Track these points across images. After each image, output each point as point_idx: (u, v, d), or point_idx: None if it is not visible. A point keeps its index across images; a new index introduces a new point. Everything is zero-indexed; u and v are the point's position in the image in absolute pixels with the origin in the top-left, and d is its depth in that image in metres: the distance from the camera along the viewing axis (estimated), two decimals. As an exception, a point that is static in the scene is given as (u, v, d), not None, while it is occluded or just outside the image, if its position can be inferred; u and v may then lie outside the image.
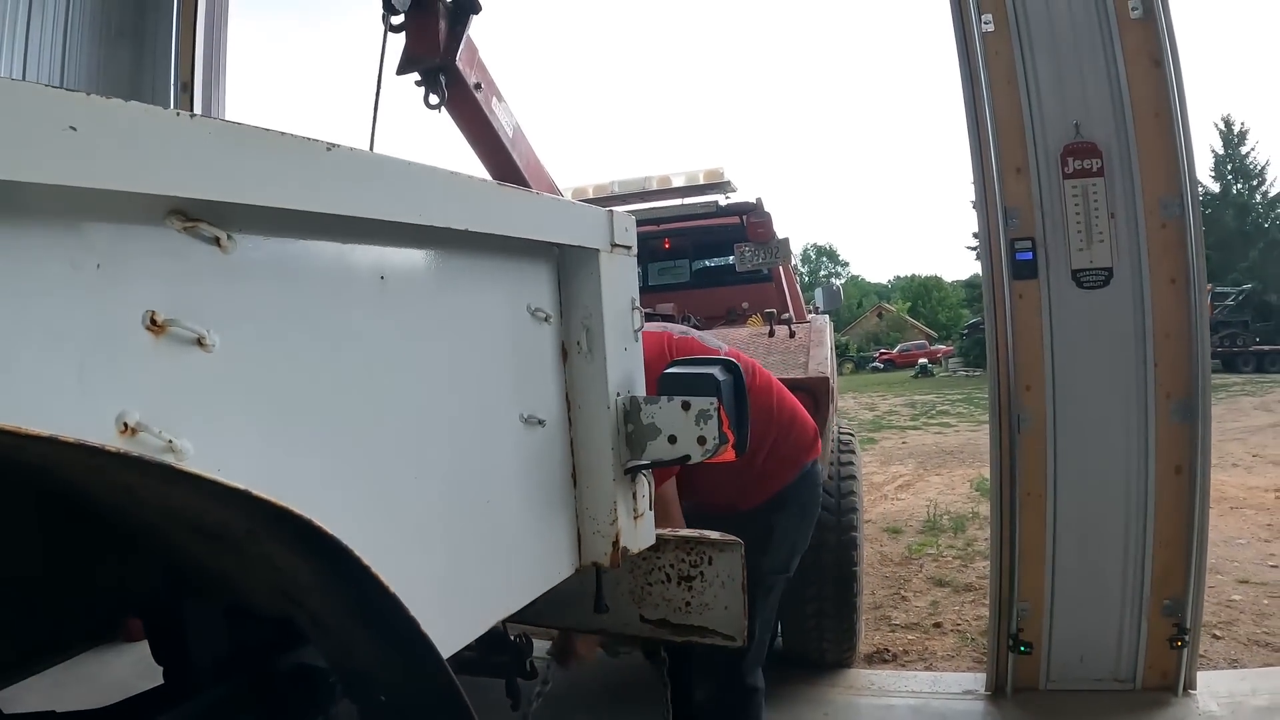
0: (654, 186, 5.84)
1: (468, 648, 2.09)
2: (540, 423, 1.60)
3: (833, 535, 3.31)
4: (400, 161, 1.13)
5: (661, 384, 1.76)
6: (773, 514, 2.49)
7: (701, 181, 5.73)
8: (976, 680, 3.27)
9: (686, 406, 1.70)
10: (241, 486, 0.77)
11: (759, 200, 5.58)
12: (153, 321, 0.85)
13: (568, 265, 1.69)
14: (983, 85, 3.03)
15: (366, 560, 1.06)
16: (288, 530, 0.86)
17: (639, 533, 1.82)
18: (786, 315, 3.69)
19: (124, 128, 0.76)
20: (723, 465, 2.36)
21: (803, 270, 75.82)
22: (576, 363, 1.71)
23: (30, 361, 0.76)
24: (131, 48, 5.17)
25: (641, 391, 1.80)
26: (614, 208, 5.33)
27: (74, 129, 0.72)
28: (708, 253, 6.04)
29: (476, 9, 3.35)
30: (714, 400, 1.68)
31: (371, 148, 3.34)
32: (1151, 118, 2.92)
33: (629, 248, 1.81)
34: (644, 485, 1.82)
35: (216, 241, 0.90)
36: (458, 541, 1.36)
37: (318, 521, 0.92)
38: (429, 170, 1.21)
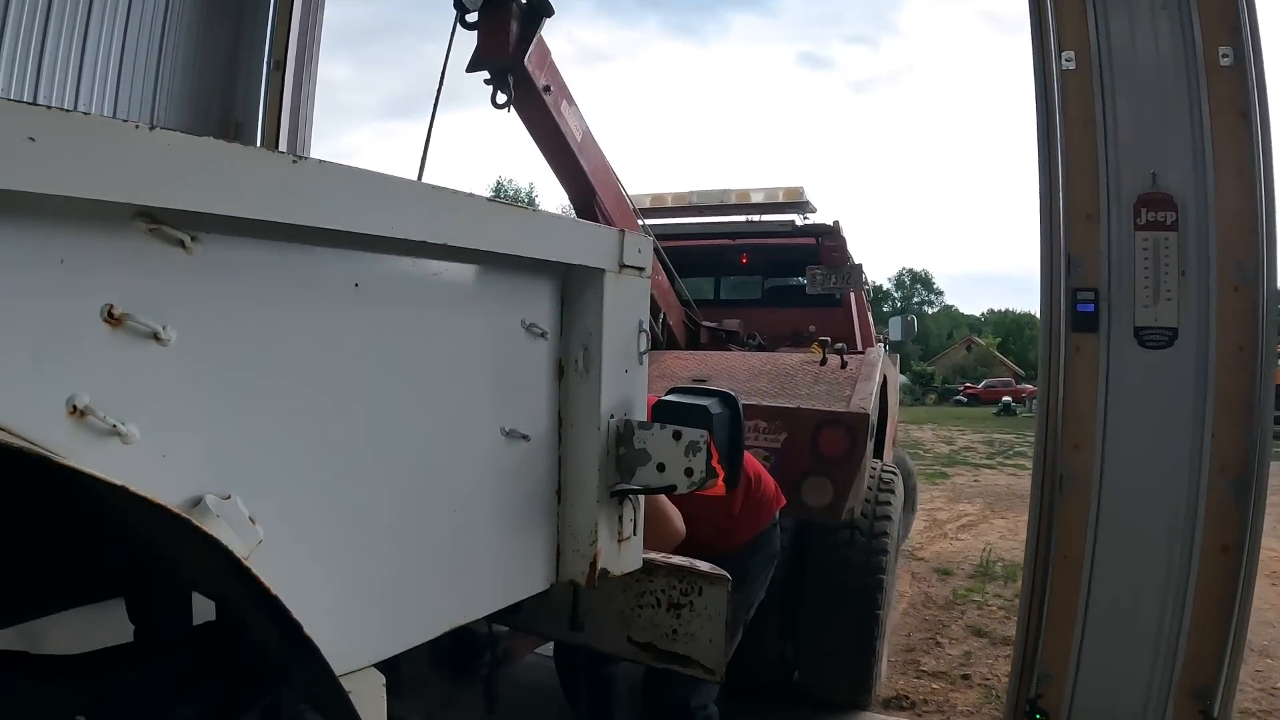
0: (732, 200, 5.92)
1: (453, 643, 2.18)
2: (524, 437, 1.65)
3: (858, 576, 3.30)
4: (373, 175, 1.20)
5: (656, 411, 1.79)
6: (748, 557, 2.59)
7: (781, 199, 5.80)
8: (991, 741, 3.20)
9: (677, 436, 1.73)
10: (119, 483, 0.82)
11: (836, 223, 5.61)
12: (110, 314, 0.93)
13: (572, 283, 1.74)
14: (1057, 124, 2.96)
15: (308, 555, 1.15)
16: (184, 528, 0.92)
17: (622, 556, 1.86)
18: (839, 345, 3.66)
19: (83, 140, 0.84)
20: (704, 506, 2.43)
21: (895, 295, 74.45)
22: (572, 381, 1.76)
23: (-15, 343, 0.84)
24: (231, 26, 5.43)
25: (641, 415, 1.84)
26: (689, 218, 5.43)
27: (32, 140, 0.79)
28: (780, 272, 6.06)
29: (549, 12, 3.43)
30: (704, 433, 1.70)
31: (429, 138, 3.50)
32: (1234, 173, 2.81)
33: (641, 269, 1.84)
34: (630, 509, 1.85)
35: (181, 244, 0.98)
36: (414, 544, 1.41)
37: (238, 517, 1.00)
38: (407, 185, 1.28)
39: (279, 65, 5.41)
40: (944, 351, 54.50)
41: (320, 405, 1.21)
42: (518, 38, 3.33)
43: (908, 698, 3.82)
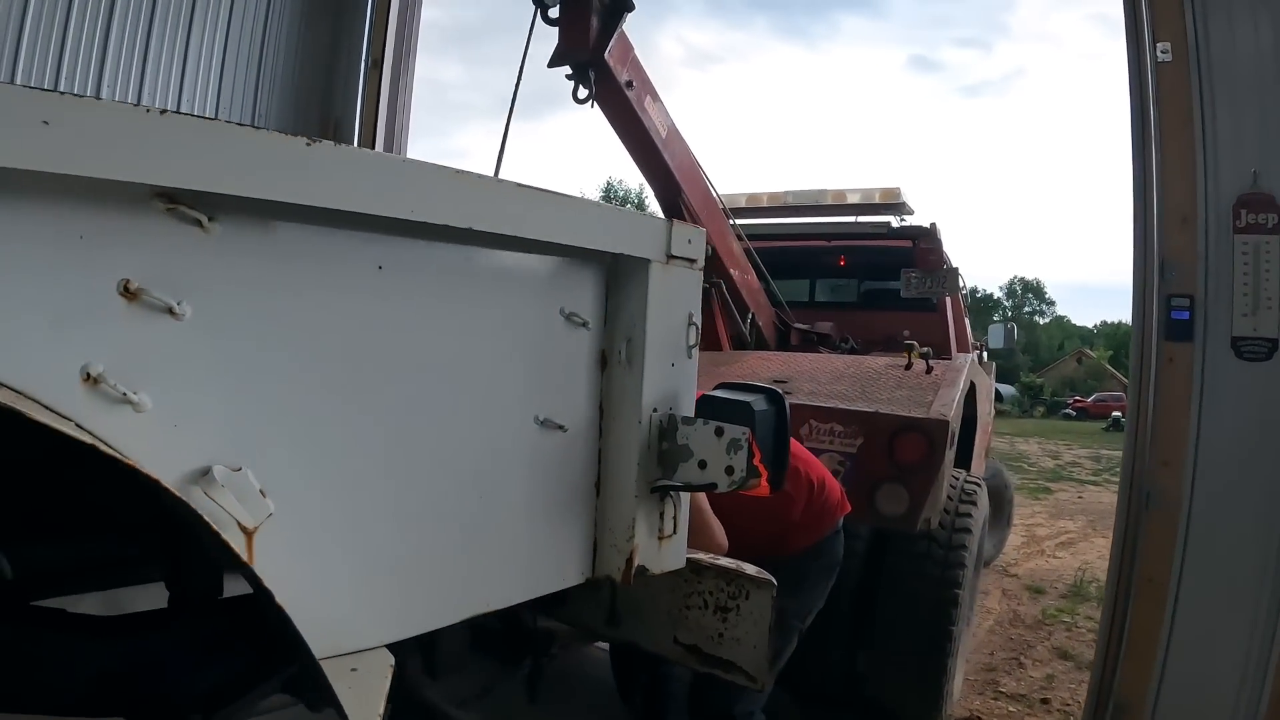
0: (828, 201, 5.87)
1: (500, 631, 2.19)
2: (560, 428, 1.64)
3: (932, 589, 3.19)
4: (389, 158, 1.22)
5: (700, 406, 1.75)
6: (810, 562, 2.53)
7: (877, 200, 5.72)
8: (1061, 774, 3.04)
9: (719, 433, 1.69)
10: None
11: (933, 225, 5.51)
12: (125, 289, 0.95)
13: (618, 273, 1.72)
14: (1152, 120, 2.78)
15: (324, 531, 1.19)
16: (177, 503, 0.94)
17: (663, 554, 1.83)
18: (925, 350, 3.53)
19: (98, 123, 0.87)
20: (763, 511, 2.38)
21: (1006, 304, 72.09)
22: (615, 373, 1.74)
23: (6, 311, 0.87)
24: (331, 24, 5.62)
25: (688, 410, 1.80)
26: (785, 218, 5.36)
27: (46, 123, 0.82)
28: (876, 275, 5.97)
29: (630, 7, 3.43)
30: (745, 431, 1.65)
31: (507, 130, 3.53)
32: (1343, 172, 2.58)
33: (692, 261, 1.81)
34: (672, 506, 1.82)
35: (199, 223, 1.00)
36: (437, 528, 1.42)
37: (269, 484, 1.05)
38: (424, 167, 1.28)
39: (376, 64, 5.57)
40: (1054, 363, 52.47)
41: (341, 385, 1.23)
42: (599, 32, 3.34)
43: (981, 718, 3.67)
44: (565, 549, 1.72)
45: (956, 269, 5.21)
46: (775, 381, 3.41)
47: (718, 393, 1.78)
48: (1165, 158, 2.78)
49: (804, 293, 6.05)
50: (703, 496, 2.29)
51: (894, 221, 5.63)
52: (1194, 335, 2.77)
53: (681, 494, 1.84)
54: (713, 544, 2.22)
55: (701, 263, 1.83)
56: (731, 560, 2.00)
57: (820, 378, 3.47)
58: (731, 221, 4.70)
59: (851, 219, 5.72)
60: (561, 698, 3.15)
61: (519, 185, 1.45)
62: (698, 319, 1.82)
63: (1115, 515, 2.92)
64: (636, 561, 1.76)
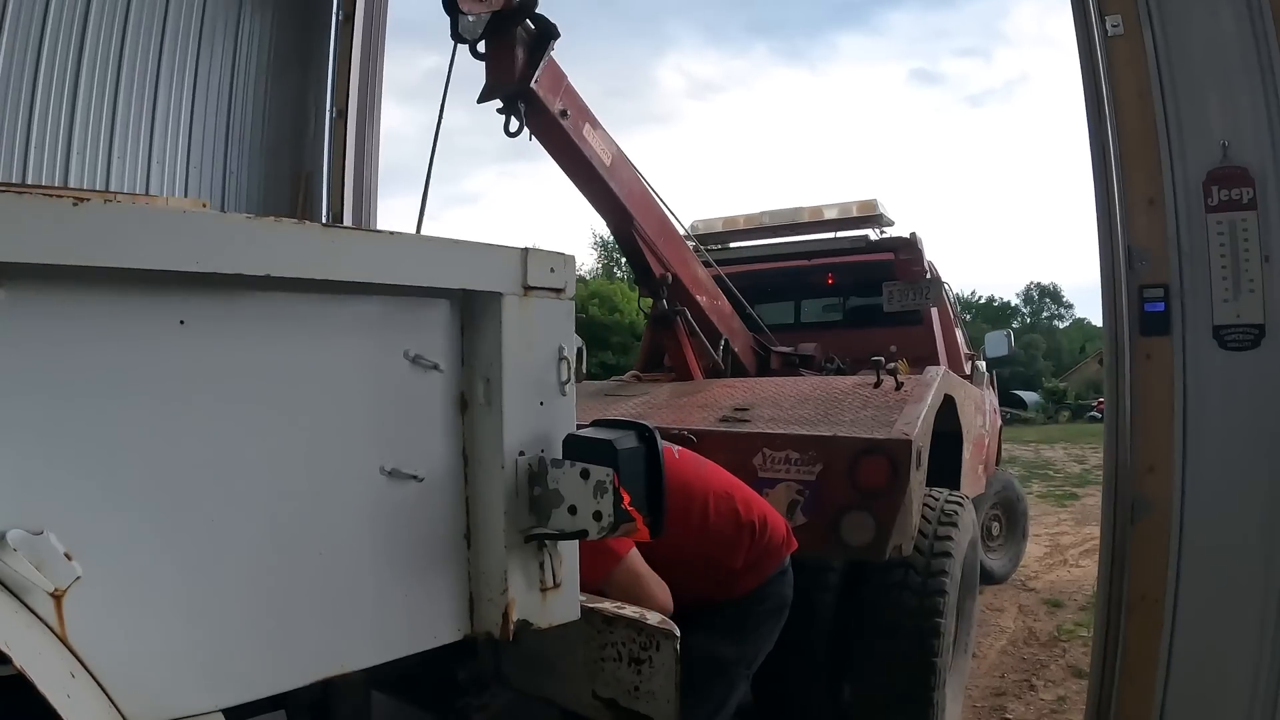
0: (805, 218, 5.75)
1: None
2: (414, 478, 1.53)
3: (911, 620, 2.97)
4: (164, 212, 1.18)
5: (565, 447, 1.62)
6: (753, 606, 2.36)
7: (855, 214, 5.57)
8: (1061, 811, 2.79)
9: (585, 475, 1.57)
10: None
11: (913, 235, 5.38)
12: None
13: (471, 310, 1.61)
14: (1105, 99, 2.58)
15: (145, 593, 1.19)
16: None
17: (548, 607, 1.71)
18: (891, 366, 3.34)
19: None
20: (700, 564, 2.24)
21: (1024, 311, 70.67)
22: (477, 416, 1.63)
23: None
24: (297, 78, 5.67)
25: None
26: (763, 239, 5.27)
27: None
28: (859, 290, 5.84)
29: (555, 34, 3.35)
30: (609, 472, 1.52)
31: (430, 172, 3.46)
32: (1320, 134, 2.34)
33: (558, 290, 1.69)
34: (555, 556, 1.69)
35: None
36: (273, 586, 1.35)
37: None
38: (204, 218, 1.29)
39: (341, 114, 5.59)
40: (1076, 367, 50.88)
41: (151, 443, 1.20)
42: (524, 63, 3.26)
43: None
44: (435, 604, 1.61)
45: (937, 279, 5.03)
46: (737, 409, 3.26)
47: (583, 431, 1.64)
48: (1124, 136, 2.56)
49: (789, 315, 5.93)
50: (637, 558, 2.16)
51: (872, 235, 5.43)
52: (1171, 327, 2.54)
53: (564, 543, 1.72)
54: (654, 605, 2.09)
55: (571, 292, 1.71)
56: (636, 609, 1.86)
57: (784, 402, 3.29)
58: (694, 246, 4.57)
59: (830, 235, 5.56)
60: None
61: (326, 227, 1.37)
62: (570, 353, 1.71)
63: (1100, 529, 2.69)
64: (515, 616, 1.64)
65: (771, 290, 5.68)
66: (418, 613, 1.57)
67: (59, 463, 1.10)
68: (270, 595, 1.35)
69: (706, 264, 4.52)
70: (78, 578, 1.06)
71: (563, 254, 1.69)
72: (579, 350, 2.57)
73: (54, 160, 4.22)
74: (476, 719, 2.16)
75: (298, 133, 5.62)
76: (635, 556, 2.11)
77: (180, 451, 1.23)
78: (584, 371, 2.71)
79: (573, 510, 1.58)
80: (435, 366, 1.56)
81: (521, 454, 1.61)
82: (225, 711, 1.33)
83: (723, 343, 4.34)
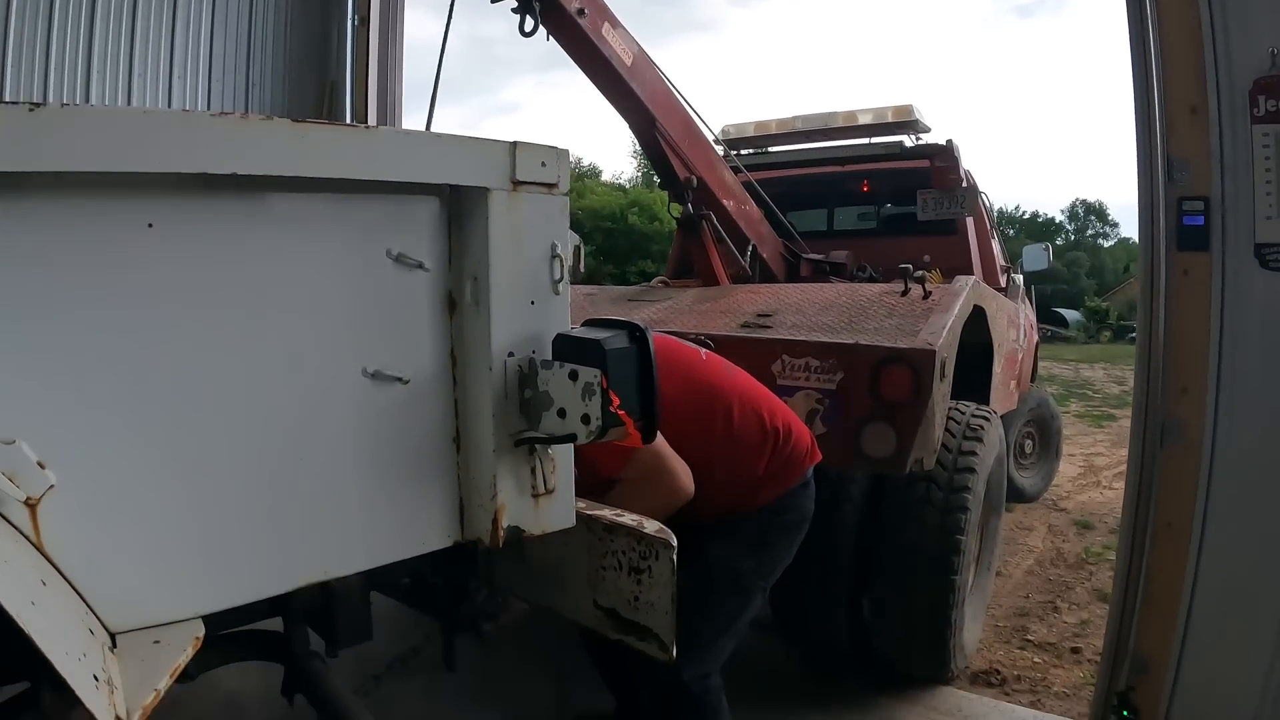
0: (839, 124, 5.55)
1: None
2: (399, 380, 1.49)
3: (932, 537, 2.91)
4: (127, 113, 1.13)
5: (555, 348, 1.56)
6: (772, 518, 2.27)
7: (890, 120, 5.36)
8: (1075, 733, 2.75)
9: (574, 376, 1.51)
10: None
11: (949, 143, 5.16)
12: None
13: (459, 207, 1.55)
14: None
15: (119, 501, 1.18)
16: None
17: (541, 513, 1.68)
18: (919, 274, 3.20)
19: None
20: (721, 468, 2.18)
21: (1069, 228, 68.65)
22: (466, 317, 1.57)
23: None
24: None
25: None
26: (795, 145, 5.11)
27: None
28: (893, 198, 5.72)
29: None
30: (597, 373, 1.46)
31: (438, 77, 3.36)
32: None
33: (550, 185, 1.61)
34: (547, 461, 1.65)
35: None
36: (250, 493, 1.33)
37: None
38: (170, 117, 1.23)
39: (364, 21, 5.46)
40: (1119, 286, 49.21)
41: (121, 349, 1.18)
42: None
43: (998, 672, 3.37)
44: (423, 510, 1.58)
45: (974, 188, 4.85)
46: (759, 315, 3.15)
47: (574, 331, 1.57)
48: (1166, 40, 2.38)
49: (822, 222, 5.80)
50: (661, 439, 2.10)
51: (908, 141, 5.25)
52: (1210, 243, 2.39)
53: (558, 448, 1.67)
54: (675, 486, 2.04)
55: (565, 187, 1.64)
56: (634, 517, 1.81)
57: (808, 309, 3.18)
58: (722, 151, 4.42)
59: (865, 140, 5.38)
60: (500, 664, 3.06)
61: (295, 123, 1.30)
62: (565, 250, 1.63)
63: (1128, 453, 2.59)
64: (505, 522, 1.61)
65: (803, 197, 5.54)
66: (405, 519, 1.55)
67: (29, 373, 1.09)
68: (250, 501, 1.33)
69: (736, 169, 4.38)
70: (51, 486, 1.06)
71: (555, 148, 1.61)
72: (576, 248, 2.49)
73: (74, 79, 4.18)
74: (484, 628, 2.16)
75: (320, 43, 5.49)
76: (660, 448, 2.03)
77: (153, 357, 1.20)
78: (581, 270, 2.62)
79: (561, 414, 1.53)
80: (420, 265, 1.51)
81: (511, 355, 1.55)
82: (216, 615, 1.33)
83: (750, 248, 4.23)
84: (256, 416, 1.32)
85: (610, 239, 30.30)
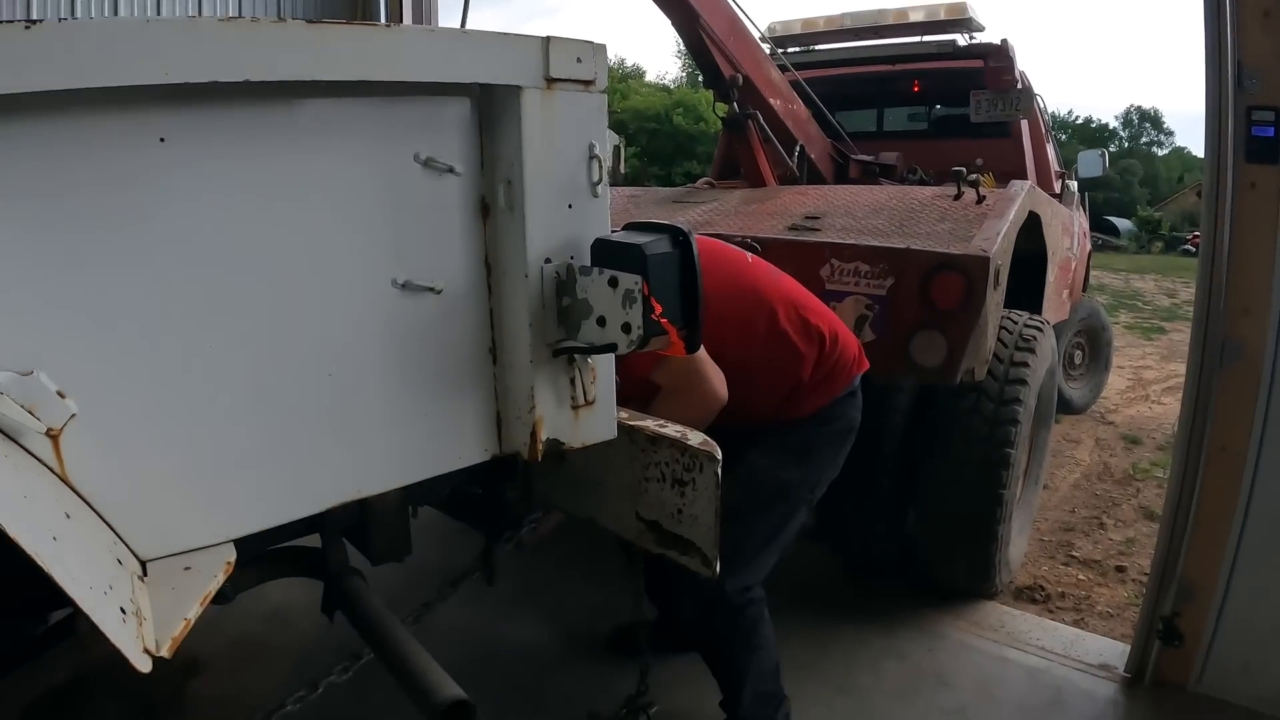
0: (889, 21, 5.33)
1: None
2: (432, 290, 1.44)
3: (979, 449, 2.84)
4: (128, 24, 1.08)
5: (593, 253, 1.49)
6: (817, 428, 2.20)
7: (942, 17, 5.13)
8: (1120, 654, 2.70)
9: (614, 283, 1.45)
10: None
11: (1004, 42, 4.94)
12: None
13: (491, 108, 1.47)
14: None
15: (144, 426, 1.16)
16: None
17: (580, 425, 1.64)
18: (973, 178, 3.07)
19: None
20: (766, 373, 2.14)
21: (1122, 135, 66.35)
22: (500, 223, 1.50)
23: None
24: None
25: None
26: (844, 43, 4.90)
27: None
28: (945, 99, 5.52)
29: None
30: (638, 280, 1.40)
31: None
32: None
33: (588, 83, 1.52)
34: (587, 371, 1.60)
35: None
36: (276, 412, 1.30)
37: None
38: (174, 25, 1.12)
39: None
40: (1172, 197, 47.41)
41: (140, 269, 1.14)
42: None
43: (1043, 589, 3.32)
44: (459, 424, 1.55)
45: (1029, 89, 4.65)
46: (808, 217, 3.04)
47: (614, 236, 1.50)
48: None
49: (871, 123, 5.61)
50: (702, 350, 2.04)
51: (960, 40, 5.02)
52: (1280, 157, 2.26)
53: (599, 357, 1.61)
54: (708, 393, 1.98)
55: (602, 84, 1.55)
56: (678, 429, 1.77)
57: (857, 212, 3.05)
58: (768, 49, 4.25)
59: (916, 39, 5.16)
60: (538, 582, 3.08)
61: (310, 24, 1.22)
62: (603, 151, 1.55)
63: (1186, 372, 2.48)
64: (543, 435, 1.57)
65: (853, 97, 5.37)
66: (440, 433, 1.52)
67: (45, 300, 1.06)
68: (278, 421, 1.31)
69: (783, 69, 4.21)
70: (72, 415, 1.05)
71: (590, 42, 1.51)
72: (616, 149, 2.39)
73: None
74: (526, 539, 2.15)
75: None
76: (700, 360, 1.96)
77: (172, 277, 1.16)
78: (621, 172, 2.51)
79: (601, 322, 1.47)
80: (450, 170, 1.44)
81: (548, 261, 1.49)
82: (250, 537, 1.31)
83: (798, 149, 4.08)
84: (282, 334, 1.29)
85: (655, 140, 29.96)
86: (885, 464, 2.95)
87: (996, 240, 2.66)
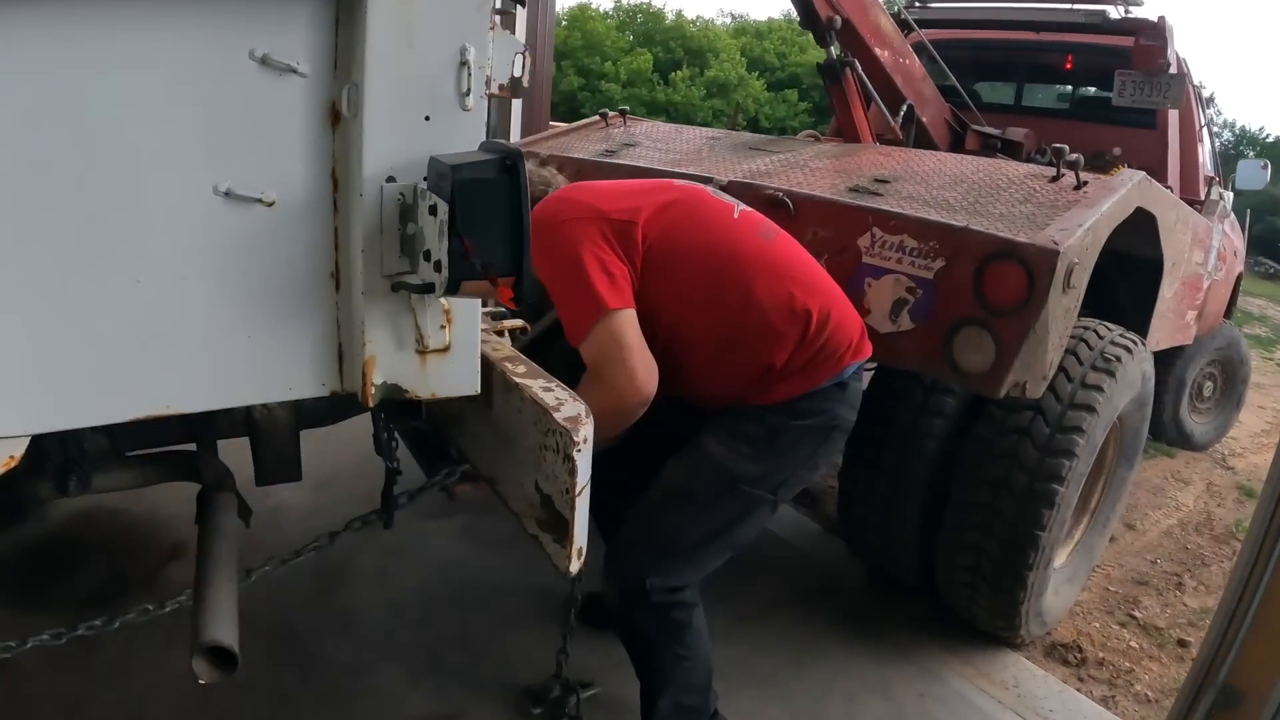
0: None
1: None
2: (261, 201, 1.29)
3: (1023, 478, 2.39)
4: None
5: (428, 171, 1.28)
6: (786, 419, 1.86)
7: None
8: (1146, 753, 2.22)
9: (434, 211, 1.25)
10: None
11: (1161, 19, 4.18)
12: None
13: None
14: None
15: None
16: None
17: (430, 374, 1.48)
18: (1074, 158, 2.56)
19: None
20: (731, 351, 1.86)
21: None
22: (349, 132, 1.33)
23: None
24: None
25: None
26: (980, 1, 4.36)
27: None
28: (1085, 77, 4.94)
29: None
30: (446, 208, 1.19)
31: None
32: None
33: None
34: (438, 313, 1.41)
35: None
36: (71, 315, 1.21)
37: None
38: None
39: None
40: None
41: None
42: None
43: (1081, 649, 2.80)
44: (289, 352, 1.41)
45: (1181, 75, 3.94)
46: (877, 180, 2.63)
47: (444, 155, 1.27)
48: None
49: (1007, 96, 5.04)
50: (626, 320, 1.77)
51: (1113, 12, 4.28)
52: None
53: (460, 301, 1.42)
54: (619, 384, 1.74)
55: (500, -24, 1.32)
56: (560, 394, 1.57)
57: (934, 181, 2.63)
58: (883, 2, 3.80)
59: (1064, 5, 4.45)
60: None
61: None
62: (478, 57, 1.32)
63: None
64: (375, 378, 1.41)
65: (988, 65, 4.90)
66: (270, 359, 1.38)
67: None
68: (81, 323, 1.21)
69: (905, 25, 3.82)
70: None
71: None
72: (520, 56, 2.09)
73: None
74: (449, 486, 2.05)
75: None
76: (624, 318, 1.74)
77: None
78: (525, 85, 2.14)
79: (427, 256, 1.28)
80: (291, 69, 1.27)
81: (390, 180, 1.31)
82: (120, 432, 1.26)
83: (905, 107, 3.65)
84: (84, 234, 1.18)
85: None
86: (918, 468, 2.57)
87: (1076, 233, 2.18)
